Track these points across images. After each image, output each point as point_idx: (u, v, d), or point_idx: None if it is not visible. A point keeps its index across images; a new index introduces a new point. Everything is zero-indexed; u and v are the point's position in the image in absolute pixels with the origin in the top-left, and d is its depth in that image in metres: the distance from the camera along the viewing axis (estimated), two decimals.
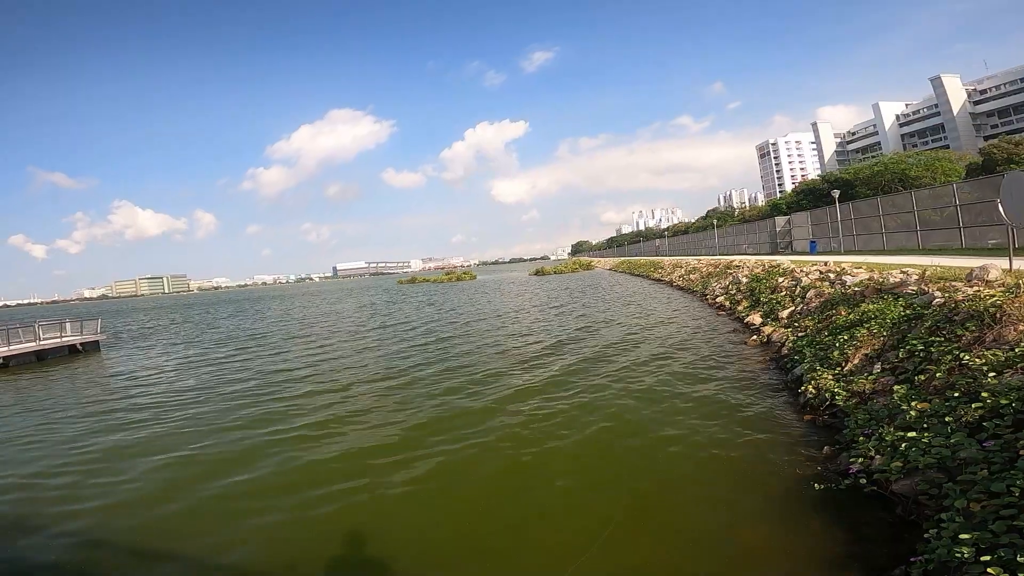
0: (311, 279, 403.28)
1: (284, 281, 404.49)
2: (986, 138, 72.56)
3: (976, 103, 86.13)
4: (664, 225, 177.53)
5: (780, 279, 17.59)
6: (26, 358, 21.50)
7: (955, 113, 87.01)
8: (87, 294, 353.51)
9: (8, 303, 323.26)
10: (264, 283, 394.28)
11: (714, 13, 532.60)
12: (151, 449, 8.81)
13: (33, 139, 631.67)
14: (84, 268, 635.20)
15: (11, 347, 21.23)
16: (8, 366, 20.42)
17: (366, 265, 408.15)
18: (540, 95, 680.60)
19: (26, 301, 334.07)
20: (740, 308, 18.09)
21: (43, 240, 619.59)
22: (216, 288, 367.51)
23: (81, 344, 24.09)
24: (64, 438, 9.91)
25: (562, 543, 5.00)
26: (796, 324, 12.25)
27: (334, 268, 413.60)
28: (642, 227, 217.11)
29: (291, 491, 6.63)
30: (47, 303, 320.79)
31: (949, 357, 6.18)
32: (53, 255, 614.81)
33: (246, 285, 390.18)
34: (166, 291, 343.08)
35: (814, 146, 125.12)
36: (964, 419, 4.91)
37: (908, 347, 7.13)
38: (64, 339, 23.58)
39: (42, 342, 22.50)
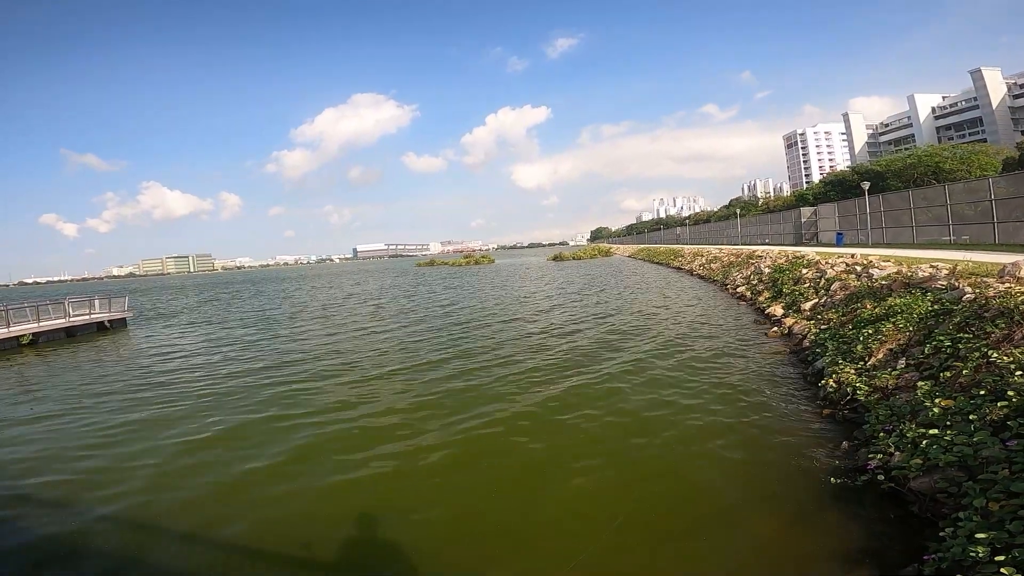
0: (332, 260, 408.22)
1: (305, 262, 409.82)
2: None
3: (1016, 97, 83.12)
4: (685, 213, 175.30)
5: (804, 270, 17.26)
6: (56, 334, 22.12)
7: (994, 107, 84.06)
8: (116, 272, 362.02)
9: (39, 280, 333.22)
10: (286, 263, 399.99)
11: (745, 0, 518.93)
12: (179, 434, 8.75)
13: (66, 122, 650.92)
14: (113, 247, 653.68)
15: (41, 323, 21.80)
16: (38, 342, 21.03)
17: (385, 247, 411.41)
18: (563, 81, 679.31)
19: (56, 278, 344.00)
20: (761, 299, 17.83)
21: (74, 219, 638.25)
22: (240, 268, 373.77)
23: (109, 321, 24.73)
24: (93, 420, 10.03)
25: (574, 532, 5.04)
26: (819, 316, 12.05)
27: (354, 250, 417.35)
28: (663, 215, 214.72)
29: (320, 481, 6.63)
30: (77, 280, 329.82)
31: (977, 354, 6.02)
32: (84, 234, 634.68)
33: (268, 265, 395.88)
34: (192, 270, 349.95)
35: (844, 137, 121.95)
36: (988, 417, 4.81)
37: (935, 343, 6.98)
38: (92, 316, 24.22)
39: (71, 319, 23.10)
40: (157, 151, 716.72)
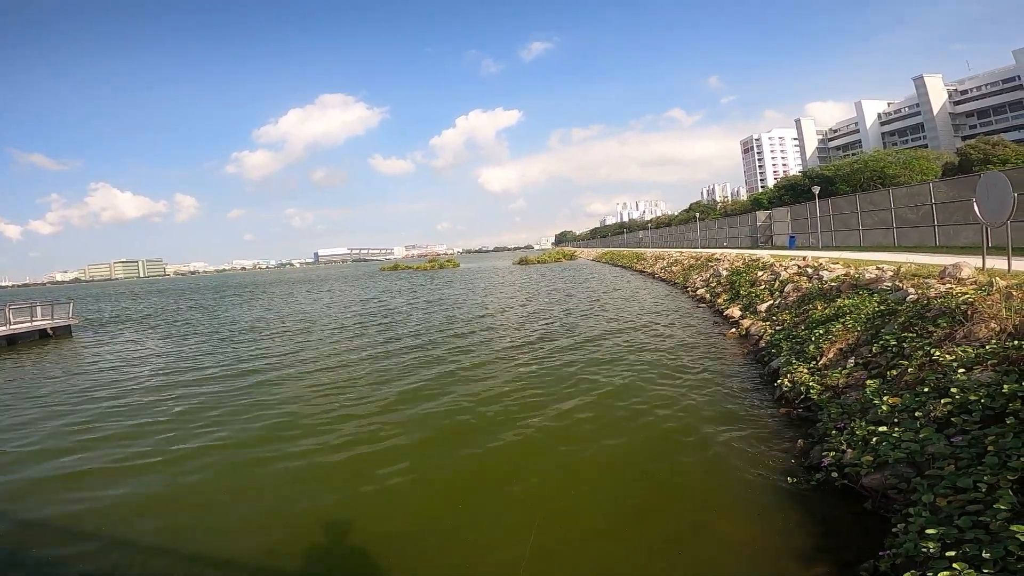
0: (292, 265, 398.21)
1: (264, 267, 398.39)
2: (964, 138, 73.62)
3: (956, 103, 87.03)
4: (648, 217, 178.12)
5: (760, 273, 17.75)
6: None
7: (935, 113, 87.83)
8: (59, 277, 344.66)
9: None
10: (243, 268, 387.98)
11: (716, 6, 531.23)
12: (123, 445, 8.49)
13: (13, 121, 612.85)
14: (58, 250, 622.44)
15: None
16: None
17: (348, 251, 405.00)
18: (536, 84, 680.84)
19: None
20: (720, 301, 18.24)
21: (17, 220, 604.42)
22: (193, 273, 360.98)
23: (52, 329, 23.52)
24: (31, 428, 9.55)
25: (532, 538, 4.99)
26: (774, 318, 12.39)
27: (315, 254, 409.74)
28: (626, 219, 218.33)
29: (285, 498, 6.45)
30: (18, 286, 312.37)
31: (920, 353, 6.27)
32: (27, 236, 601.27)
33: (224, 270, 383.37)
34: (141, 275, 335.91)
35: (796, 142, 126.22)
36: (933, 414, 4.99)
37: (881, 342, 7.24)
38: (35, 324, 23.02)
39: (12, 327, 21.88)
40: (112, 151, 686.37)
